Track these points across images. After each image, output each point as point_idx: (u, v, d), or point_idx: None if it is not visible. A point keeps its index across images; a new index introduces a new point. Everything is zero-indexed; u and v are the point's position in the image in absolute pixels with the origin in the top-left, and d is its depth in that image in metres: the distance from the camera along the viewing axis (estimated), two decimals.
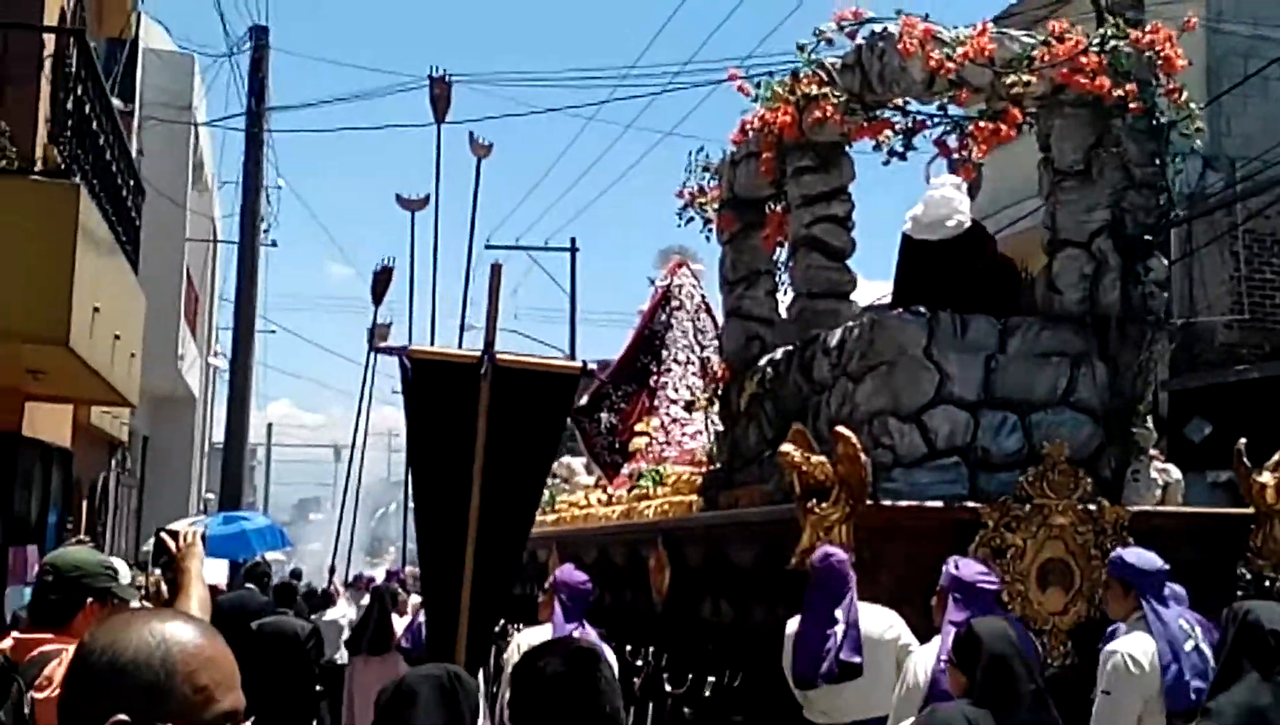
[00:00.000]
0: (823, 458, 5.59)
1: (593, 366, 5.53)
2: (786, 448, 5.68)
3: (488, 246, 31.30)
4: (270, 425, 44.20)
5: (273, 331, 31.58)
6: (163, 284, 15.82)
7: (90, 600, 3.11)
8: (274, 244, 23.08)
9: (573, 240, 29.92)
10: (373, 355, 10.39)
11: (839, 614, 5.01)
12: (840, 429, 5.60)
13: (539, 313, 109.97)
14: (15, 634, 3.24)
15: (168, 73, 18.53)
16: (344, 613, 11.81)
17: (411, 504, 5.73)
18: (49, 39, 7.56)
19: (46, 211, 6.74)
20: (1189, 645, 4.53)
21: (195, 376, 21.44)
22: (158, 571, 5.05)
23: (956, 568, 4.71)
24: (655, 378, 9.91)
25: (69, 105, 7.26)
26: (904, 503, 5.78)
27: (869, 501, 5.63)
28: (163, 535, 3.49)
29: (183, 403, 21.02)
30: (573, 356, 28.70)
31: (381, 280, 10.94)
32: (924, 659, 4.54)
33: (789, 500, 5.73)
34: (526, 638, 5.46)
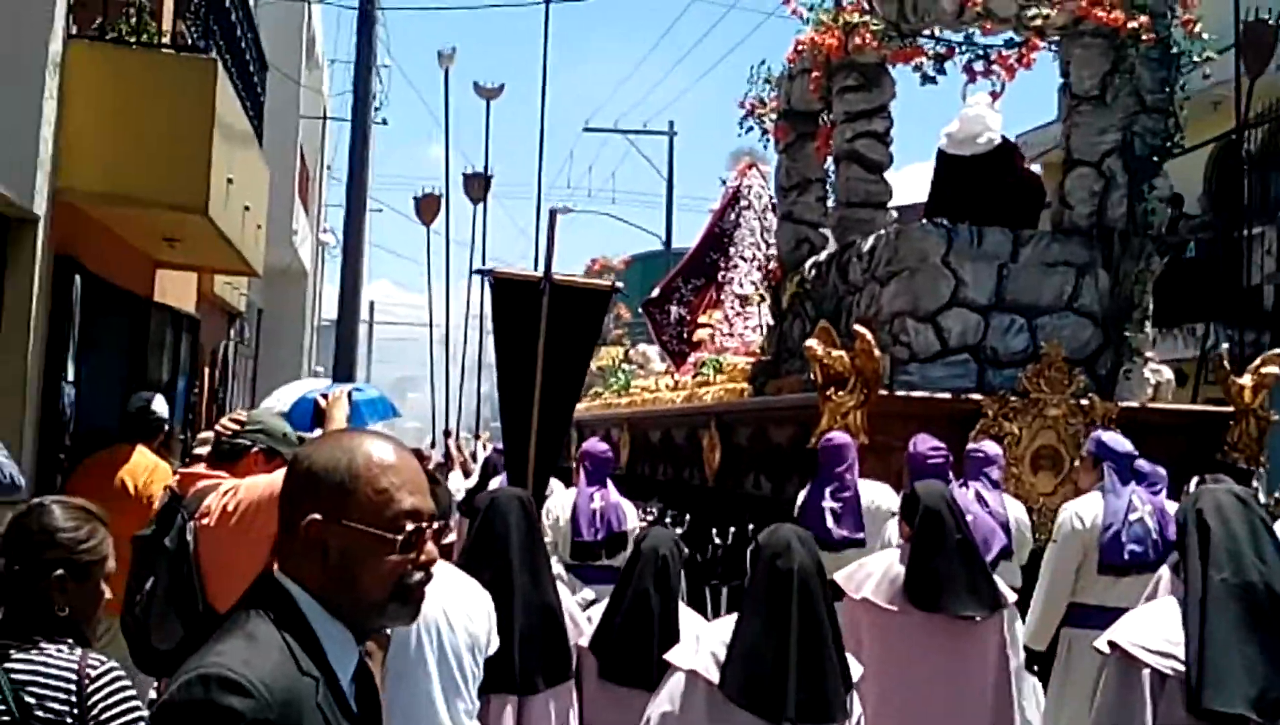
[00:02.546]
0: (842, 352, 6.49)
1: (619, 286, 6.78)
2: (811, 342, 6.60)
3: (586, 129, 31.47)
4: (372, 303, 45.93)
5: (379, 210, 32.72)
6: (278, 160, 16.59)
7: (256, 449, 3.58)
8: (384, 122, 23.99)
9: (670, 124, 29.87)
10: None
11: (836, 487, 5.95)
12: (858, 327, 6.49)
13: (636, 197, 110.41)
14: (180, 469, 3.97)
15: None
16: (458, 482, 13.06)
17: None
18: None
19: (187, 84, 6.92)
20: (1134, 515, 5.37)
21: (307, 252, 22.62)
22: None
23: (915, 446, 5.65)
24: (722, 273, 10.79)
25: None
26: (914, 393, 6.68)
27: (882, 391, 6.55)
28: (315, 397, 3.98)
29: (295, 277, 22.21)
30: (668, 241, 29.24)
31: (428, 206, 11.66)
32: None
33: None
34: (557, 495, 6.66)
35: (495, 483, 11.67)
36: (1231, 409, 6.77)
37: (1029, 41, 6.95)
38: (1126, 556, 5.18)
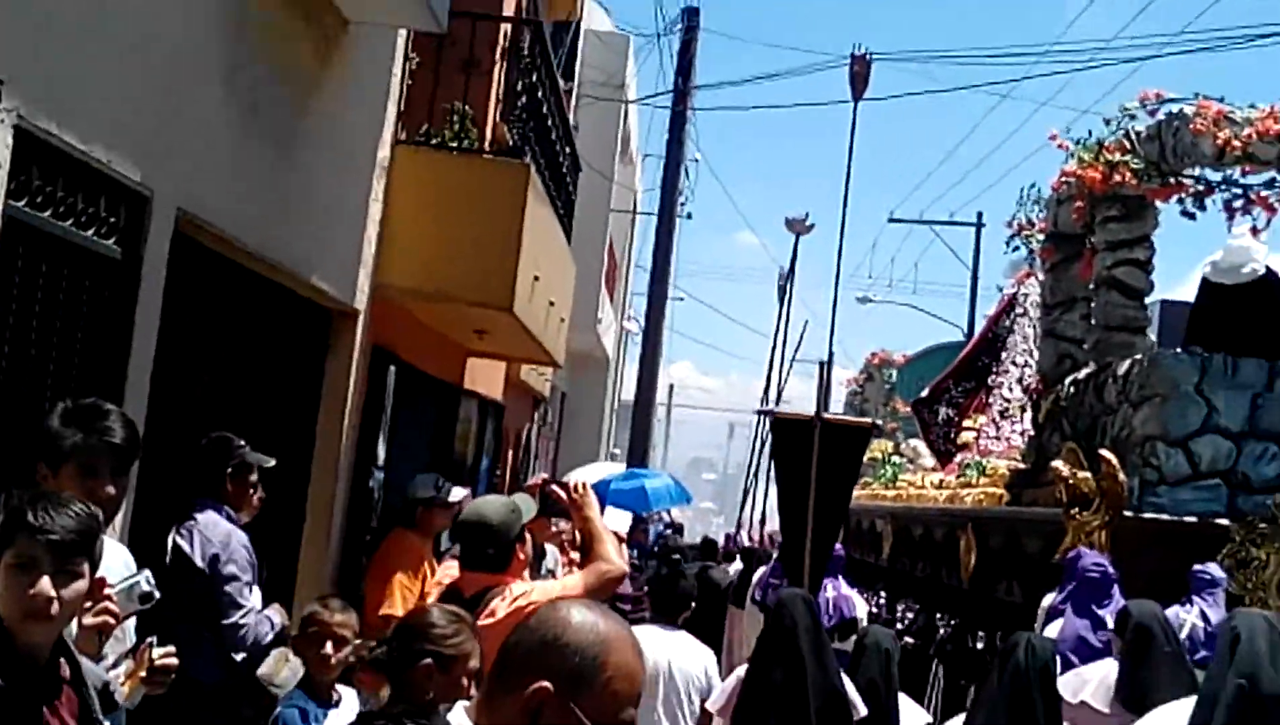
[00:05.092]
0: (1087, 473, 6.89)
1: (879, 423, 7.86)
2: (1057, 463, 7.02)
3: (891, 220, 31.60)
4: (671, 386, 47.61)
5: (681, 298, 34.14)
6: (587, 251, 16.92)
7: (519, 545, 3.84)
8: (689, 216, 25.10)
9: (979, 214, 29.49)
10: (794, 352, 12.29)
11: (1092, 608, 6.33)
12: (1103, 452, 6.87)
13: (940, 287, 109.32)
14: (462, 570, 3.97)
15: (605, 53, 19.94)
16: (734, 567, 13.77)
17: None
18: (505, 26, 8.06)
19: (500, 188, 7.15)
20: None
21: (610, 338, 23.95)
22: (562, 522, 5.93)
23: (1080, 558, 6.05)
24: (993, 378, 11.17)
25: (519, 88, 7.68)
26: (1161, 516, 6.96)
27: (1128, 513, 6.88)
28: (553, 488, 4.29)
29: (598, 362, 23.58)
30: (970, 332, 28.94)
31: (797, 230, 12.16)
32: None
33: None
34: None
35: (760, 571, 12.33)
36: None
37: None
38: None
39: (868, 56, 9.99)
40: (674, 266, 21.25)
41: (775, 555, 9.24)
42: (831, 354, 8.42)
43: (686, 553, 11.62)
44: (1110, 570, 6.15)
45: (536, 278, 7.83)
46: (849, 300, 30.74)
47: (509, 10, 8.91)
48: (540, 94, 8.01)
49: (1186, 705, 3.47)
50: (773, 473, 7.83)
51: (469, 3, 7.19)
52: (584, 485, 4.07)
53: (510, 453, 15.78)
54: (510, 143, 7.58)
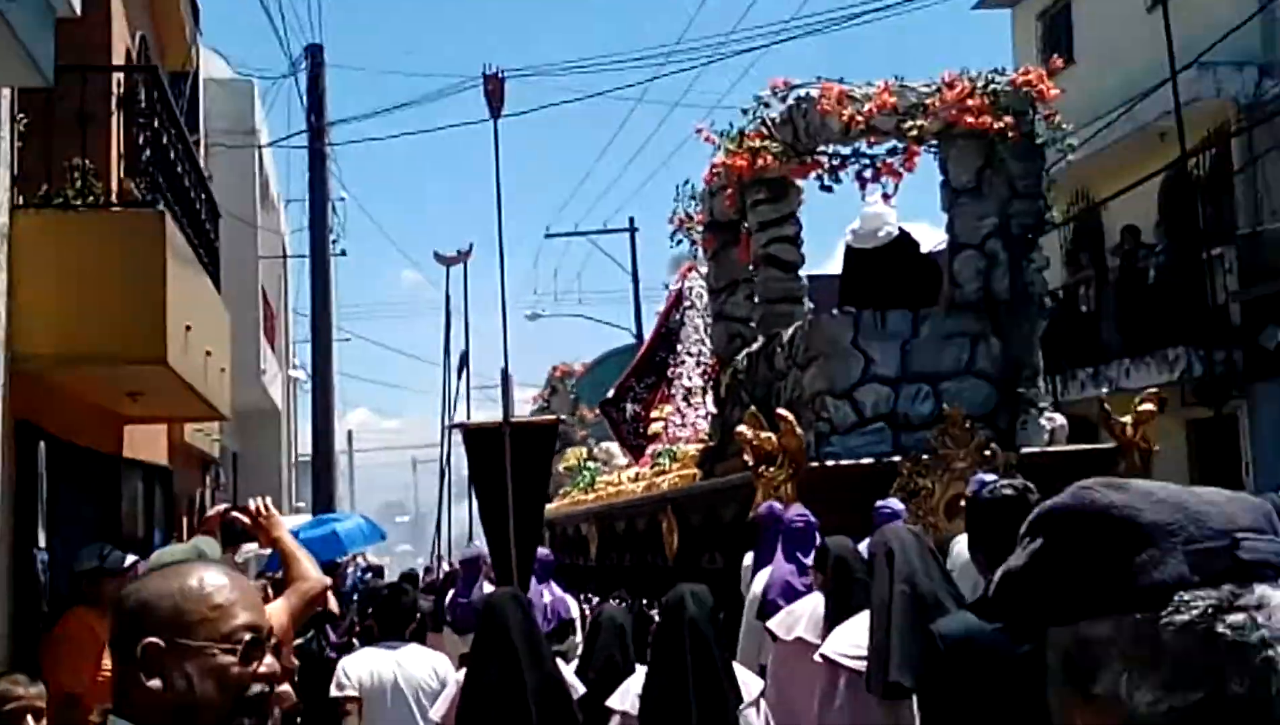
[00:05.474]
0: (770, 433, 7.51)
1: (563, 417, 8.24)
2: (741, 428, 7.62)
3: (548, 236, 32.34)
4: (350, 433, 46.82)
5: (347, 339, 33.60)
6: (240, 302, 16.36)
7: None
8: (343, 253, 24.69)
9: (631, 220, 30.63)
10: (457, 377, 12.59)
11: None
12: (780, 411, 7.53)
13: (604, 296, 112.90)
14: None
15: (230, 100, 19.77)
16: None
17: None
18: (118, 76, 7.91)
19: (135, 239, 7.02)
20: None
21: (278, 390, 23.31)
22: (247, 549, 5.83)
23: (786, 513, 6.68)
24: (672, 369, 11.85)
25: (141, 140, 7.60)
26: (841, 462, 7.69)
27: (811, 463, 7.56)
28: (235, 515, 4.04)
29: (268, 416, 22.91)
30: (639, 334, 30.04)
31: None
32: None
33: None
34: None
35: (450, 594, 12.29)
36: (1117, 445, 7.82)
37: (910, 148, 8.11)
38: None
39: (500, 74, 10.18)
40: (335, 308, 21.03)
41: (460, 575, 9.50)
42: (508, 364, 8.78)
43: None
44: (812, 519, 6.71)
45: (189, 327, 7.76)
46: (519, 319, 31.28)
47: (119, 59, 8.79)
48: (165, 141, 7.94)
49: (864, 616, 4.02)
50: (471, 485, 8.11)
51: (76, 54, 6.97)
52: (266, 504, 3.88)
53: (184, 520, 15.19)
54: (139, 195, 7.49)
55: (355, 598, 14.40)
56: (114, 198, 7.58)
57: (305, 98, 18.97)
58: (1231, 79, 13.55)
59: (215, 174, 17.93)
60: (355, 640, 10.68)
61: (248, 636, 1.67)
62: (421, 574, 15.23)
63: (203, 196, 9.86)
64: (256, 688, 1.68)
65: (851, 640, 4.12)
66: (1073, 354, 14.59)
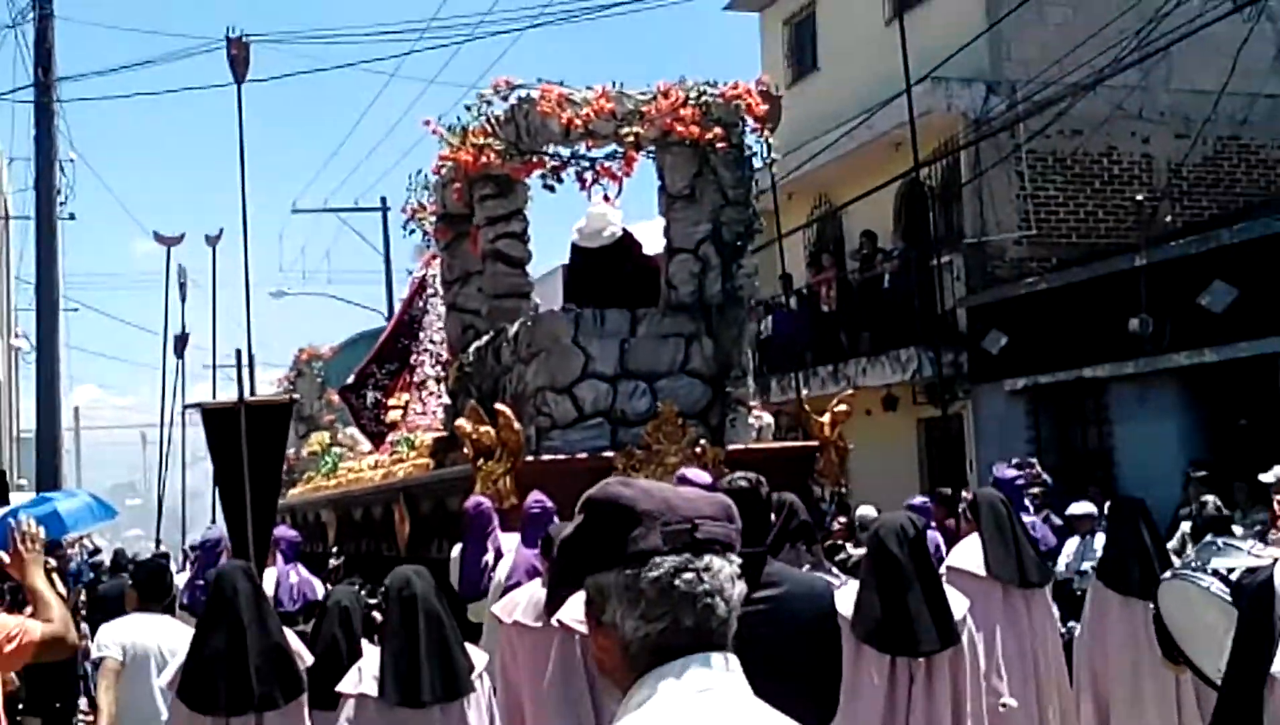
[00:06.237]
0: (489, 427, 8.03)
1: (298, 397, 8.49)
2: (461, 421, 8.11)
3: (295, 211, 32.06)
4: (77, 409, 45.16)
5: (75, 309, 32.43)
6: None
7: None
8: (71, 217, 24.04)
9: (383, 199, 30.46)
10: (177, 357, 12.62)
11: (488, 545, 7.44)
12: (498, 406, 8.05)
13: (354, 275, 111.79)
14: None
15: None
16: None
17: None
18: None
19: None
20: None
21: None
22: None
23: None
24: (414, 357, 12.22)
25: None
26: (558, 456, 8.27)
27: (529, 457, 8.11)
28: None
29: None
30: (390, 314, 30.13)
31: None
32: None
33: None
34: (269, 574, 7.93)
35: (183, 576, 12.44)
36: (816, 443, 8.68)
37: (628, 154, 8.74)
38: None
39: (244, 38, 10.00)
40: (61, 275, 20.39)
41: (194, 559, 9.75)
42: (251, 343, 9.00)
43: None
44: (550, 505, 7.22)
45: None
46: (262, 296, 30.87)
47: None
48: None
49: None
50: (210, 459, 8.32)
51: None
52: (35, 536, 3.77)
53: None
54: None
55: (80, 582, 14.23)
56: None
57: (33, 50, 18.32)
58: (961, 94, 14.74)
59: None
60: (83, 625, 10.72)
61: None
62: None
63: None
64: None
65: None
66: (815, 351, 15.71)
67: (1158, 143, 15.12)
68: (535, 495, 7.01)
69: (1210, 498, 8.66)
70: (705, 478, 7.65)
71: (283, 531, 8.54)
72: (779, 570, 3.82)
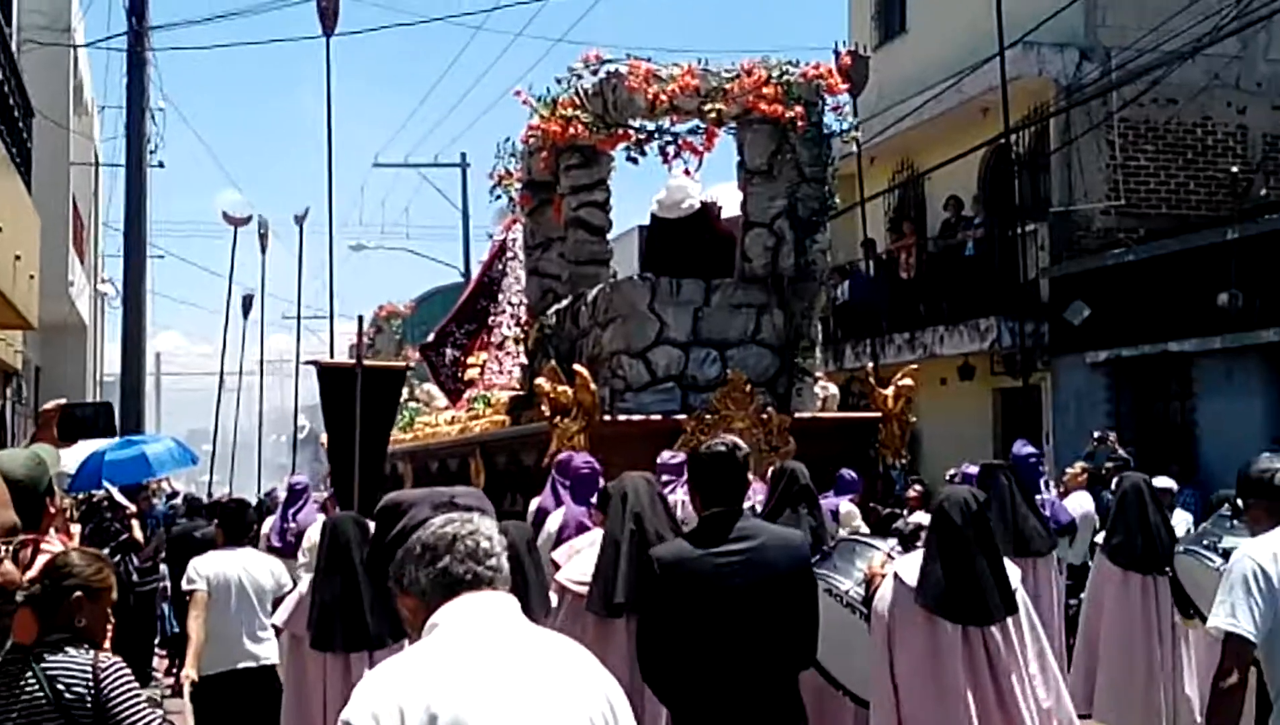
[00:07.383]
0: (566, 387, 8.87)
1: (412, 364, 9.98)
2: (540, 380, 8.96)
3: (376, 165, 33.24)
4: (159, 355, 46.89)
5: (161, 256, 33.71)
6: (49, 208, 16.46)
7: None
8: (161, 165, 25.15)
9: (463, 155, 32.02)
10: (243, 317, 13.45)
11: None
12: (577, 367, 8.88)
13: (431, 230, 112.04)
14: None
15: None
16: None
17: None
18: None
19: None
20: None
21: (85, 305, 23.60)
22: None
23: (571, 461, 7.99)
24: (492, 318, 13.10)
25: None
26: (631, 417, 9.10)
27: (604, 417, 8.95)
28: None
29: (74, 331, 23.09)
30: (467, 273, 31.02)
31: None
32: None
33: None
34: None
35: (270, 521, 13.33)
36: (880, 414, 9.41)
37: (709, 129, 9.49)
38: None
39: None
40: (149, 222, 21.32)
41: (282, 504, 10.84)
42: (333, 299, 9.92)
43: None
44: (598, 466, 8.06)
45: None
46: (341, 249, 32.04)
47: None
48: None
49: (593, 550, 5.37)
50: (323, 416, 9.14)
51: None
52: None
53: None
54: None
55: (162, 525, 15.33)
56: None
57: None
58: (1053, 59, 15.12)
59: (27, 73, 18.10)
60: (162, 566, 11.74)
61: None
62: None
63: (17, 92, 10.01)
64: None
65: (581, 570, 5.49)
66: (892, 318, 16.30)
67: (1254, 114, 15.33)
68: (584, 456, 7.77)
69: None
70: (680, 457, 8.40)
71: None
72: (755, 525, 4.41)
